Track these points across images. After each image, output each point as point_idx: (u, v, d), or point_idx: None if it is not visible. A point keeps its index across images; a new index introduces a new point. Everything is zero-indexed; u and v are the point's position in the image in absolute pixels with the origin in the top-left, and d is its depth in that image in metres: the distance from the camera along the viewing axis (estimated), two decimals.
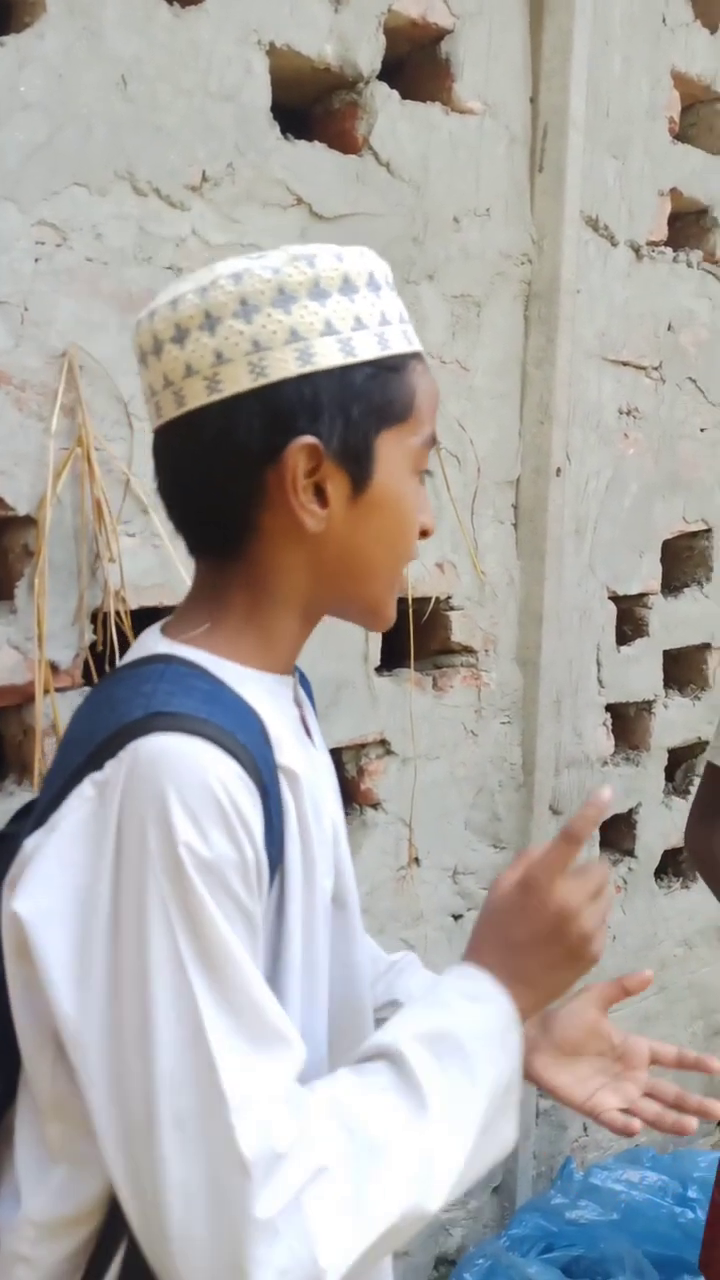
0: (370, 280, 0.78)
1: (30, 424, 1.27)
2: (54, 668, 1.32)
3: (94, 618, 1.37)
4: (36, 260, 1.27)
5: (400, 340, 0.79)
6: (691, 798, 2.48)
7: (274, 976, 0.76)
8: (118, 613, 1.36)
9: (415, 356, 0.81)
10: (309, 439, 0.75)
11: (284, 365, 0.74)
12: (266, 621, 0.81)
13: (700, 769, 2.49)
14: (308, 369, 0.74)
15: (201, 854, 0.66)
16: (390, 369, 0.78)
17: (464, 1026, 0.75)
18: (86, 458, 1.31)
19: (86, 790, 0.69)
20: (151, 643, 0.81)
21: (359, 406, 0.76)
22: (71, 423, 1.31)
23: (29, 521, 1.29)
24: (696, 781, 2.47)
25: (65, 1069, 0.70)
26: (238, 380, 0.74)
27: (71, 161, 1.28)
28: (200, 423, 0.75)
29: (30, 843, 0.71)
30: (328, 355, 0.75)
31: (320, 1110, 0.69)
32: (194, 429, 0.76)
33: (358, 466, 0.78)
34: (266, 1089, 0.66)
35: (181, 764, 0.67)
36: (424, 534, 0.85)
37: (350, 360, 0.76)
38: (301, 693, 0.92)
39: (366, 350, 0.76)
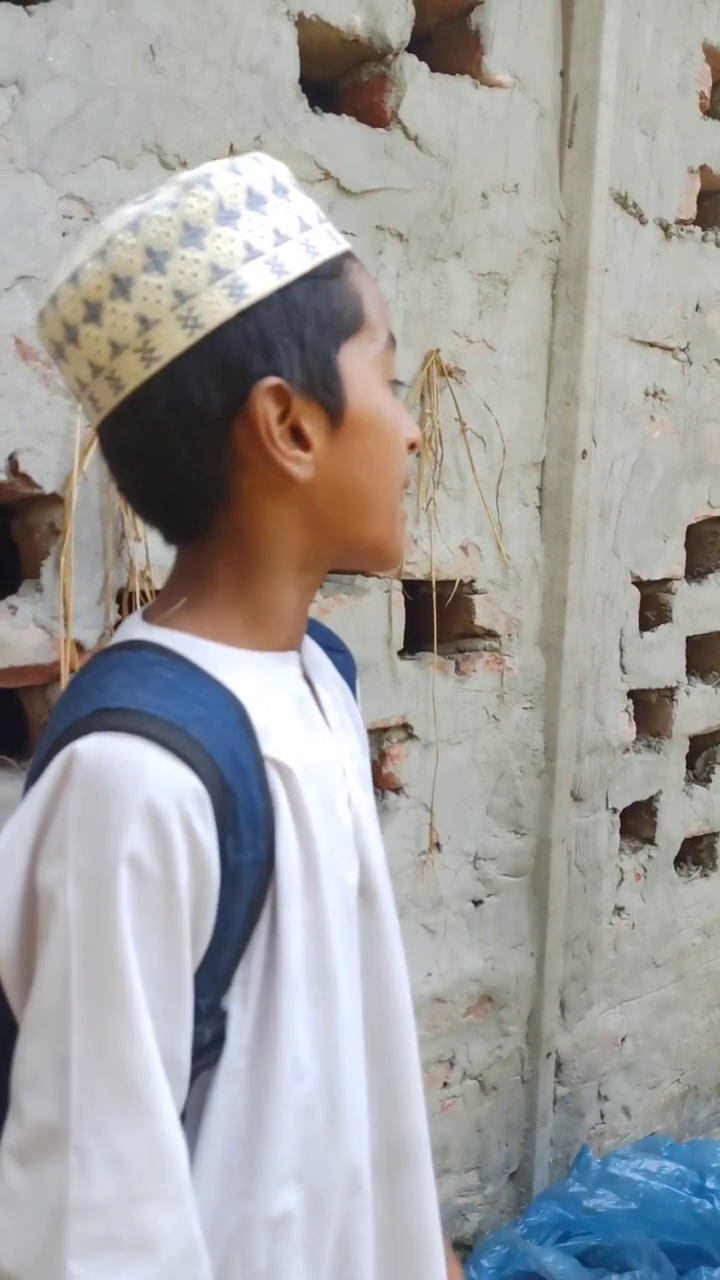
0: (275, 186, 0.69)
1: (57, 401, 1.26)
2: (79, 647, 1.31)
3: (119, 597, 1.35)
4: (64, 234, 1.25)
5: (327, 242, 0.71)
6: (713, 785, 2.46)
7: (266, 991, 0.70)
8: (143, 593, 1.34)
9: (348, 256, 0.72)
10: (271, 380, 0.67)
11: (217, 308, 0.65)
12: (257, 595, 0.74)
13: None
14: (243, 303, 0.66)
15: (124, 871, 0.60)
16: (328, 276, 0.69)
17: None
18: None
19: (33, 791, 0.65)
20: (130, 628, 0.76)
21: (309, 327, 0.68)
22: None
23: (55, 500, 1.28)
24: (718, 770, 2.46)
25: None
26: (173, 341, 0.66)
27: (99, 134, 1.26)
28: (146, 400, 0.67)
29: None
30: (259, 282, 0.66)
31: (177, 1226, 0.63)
32: (141, 409, 0.68)
33: (328, 393, 0.70)
34: (109, 1150, 0.59)
35: (113, 771, 0.61)
36: (411, 446, 0.77)
37: (284, 279, 0.67)
38: (318, 668, 0.84)
39: (297, 264, 0.68)
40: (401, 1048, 0.83)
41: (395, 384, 0.76)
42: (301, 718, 0.77)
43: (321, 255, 0.69)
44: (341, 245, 0.72)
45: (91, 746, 0.62)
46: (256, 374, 0.67)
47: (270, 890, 0.69)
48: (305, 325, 0.68)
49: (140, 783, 0.61)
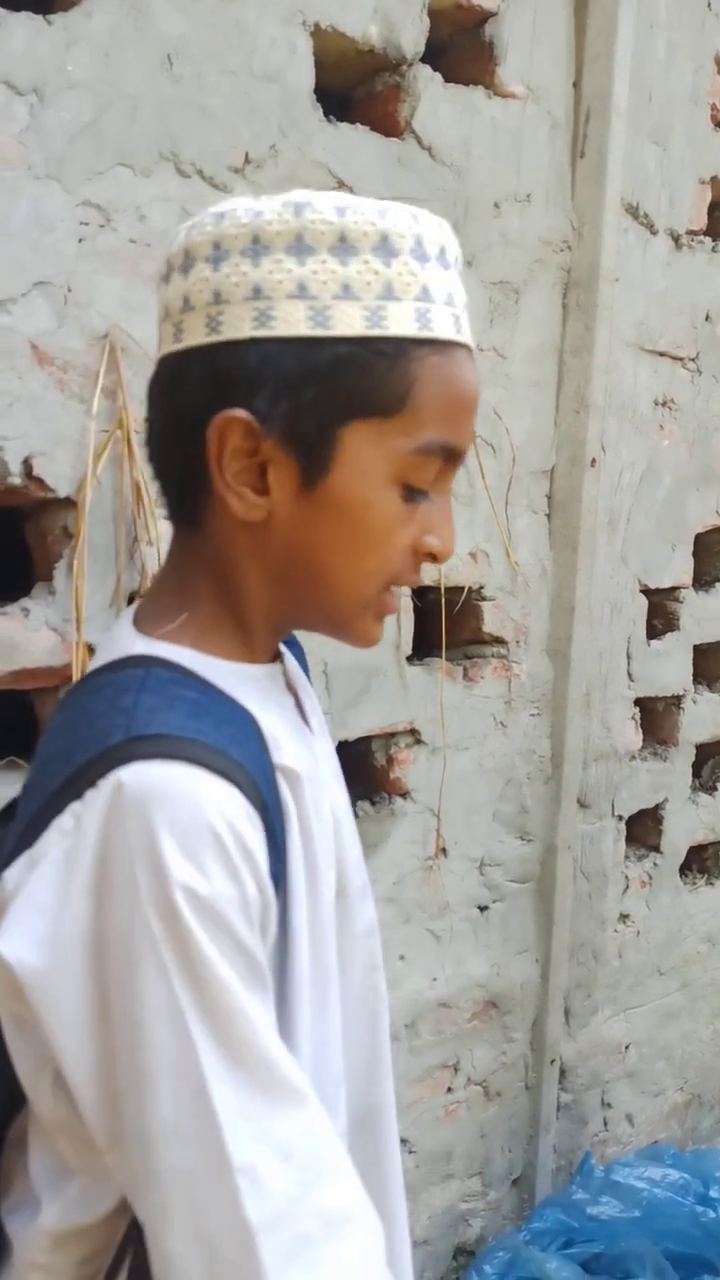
0: (383, 244, 0.65)
1: (72, 405, 1.27)
2: (91, 650, 1.32)
3: (131, 600, 1.36)
4: (80, 241, 1.26)
5: (408, 322, 0.66)
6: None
7: (281, 991, 0.71)
8: None
9: (431, 344, 0.67)
10: (238, 413, 0.65)
11: (238, 324, 0.65)
12: (236, 610, 0.74)
13: None
14: (262, 333, 0.65)
15: (200, 894, 0.60)
16: (379, 353, 0.65)
17: None
18: (126, 440, 1.30)
19: (66, 822, 0.63)
20: (126, 640, 0.72)
21: (317, 388, 0.65)
22: (112, 405, 1.30)
23: (69, 503, 1.29)
24: None
25: (66, 1093, 0.65)
26: (196, 332, 0.67)
27: (116, 142, 1.27)
28: (160, 372, 0.71)
29: (11, 876, 0.65)
30: (291, 322, 0.64)
31: (347, 1171, 0.65)
32: (156, 378, 0.72)
33: (308, 455, 0.67)
34: (276, 1147, 0.60)
35: (170, 796, 0.60)
36: (432, 557, 0.73)
37: (319, 333, 0.64)
38: (297, 674, 0.85)
39: (346, 325, 0.64)
40: (374, 1029, 0.86)
41: (415, 493, 0.71)
42: (293, 726, 0.78)
43: (385, 330, 0.65)
44: (436, 333, 0.67)
45: (142, 777, 0.61)
46: (234, 400, 0.66)
47: (281, 895, 0.70)
48: (312, 383, 0.65)
49: (201, 808, 0.61)
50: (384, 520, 0.69)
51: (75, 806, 0.63)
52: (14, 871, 0.64)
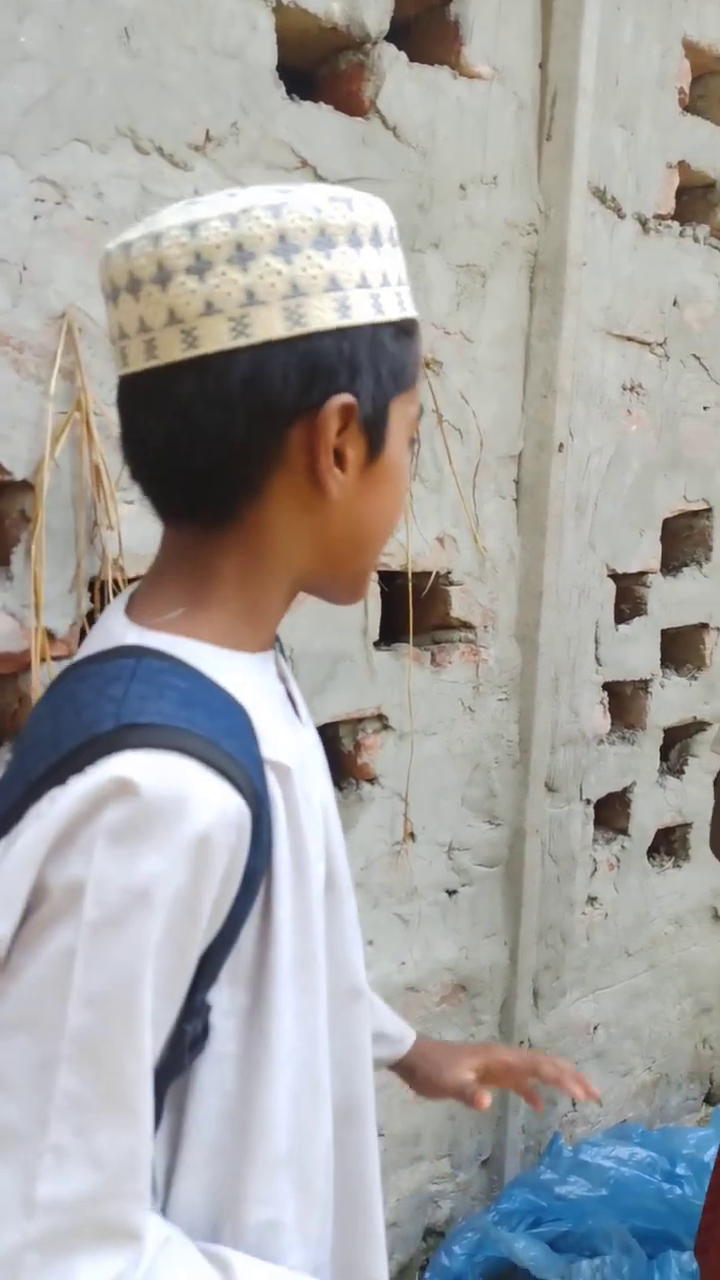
0: (391, 235, 0.74)
1: (28, 386, 1.25)
2: (50, 636, 1.30)
3: (91, 586, 1.35)
4: (35, 218, 1.24)
5: (410, 303, 0.76)
6: (687, 777, 2.48)
7: (258, 983, 0.72)
8: (115, 581, 1.34)
9: (416, 323, 0.77)
10: (348, 397, 0.69)
11: (322, 315, 0.68)
12: (256, 596, 0.75)
13: (696, 749, 2.49)
14: (345, 322, 0.69)
15: (152, 889, 0.60)
16: (406, 333, 0.74)
17: None
18: (85, 422, 1.28)
19: (44, 806, 0.63)
20: (118, 630, 0.73)
21: (385, 368, 0.72)
22: (70, 386, 1.28)
23: (26, 486, 1.27)
24: (692, 762, 2.48)
25: None
26: (271, 326, 0.67)
27: (72, 116, 1.25)
28: (219, 368, 0.67)
29: None
30: (362, 310, 0.70)
31: (155, 1221, 0.66)
32: (211, 375, 0.67)
33: (376, 432, 0.73)
34: (92, 1151, 0.61)
35: (155, 789, 0.61)
36: None
37: (379, 319, 0.71)
38: (284, 665, 0.86)
39: (391, 309, 0.72)
40: (356, 1020, 0.87)
41: (412, 442, 0.81)
42: (284, 716, 0.78)
43: (407, 313, 0.74)
44: (415, 312, 0.77)
45: (132, 765, 0.61)
46: (338, 387, 0.69)
47: (265, 887, 0.71)
48: (382, 365, 0.71)
49: (191, 807, 0.62)
50: (406, 481, 0.79)
51: (56, 791, 0.63)
52: None
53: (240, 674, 0.72)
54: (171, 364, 0.68)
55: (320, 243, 0.68)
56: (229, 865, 0.65)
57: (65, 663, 1.31)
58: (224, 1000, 0.71)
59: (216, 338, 0.67)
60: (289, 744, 0.75)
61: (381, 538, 0.79)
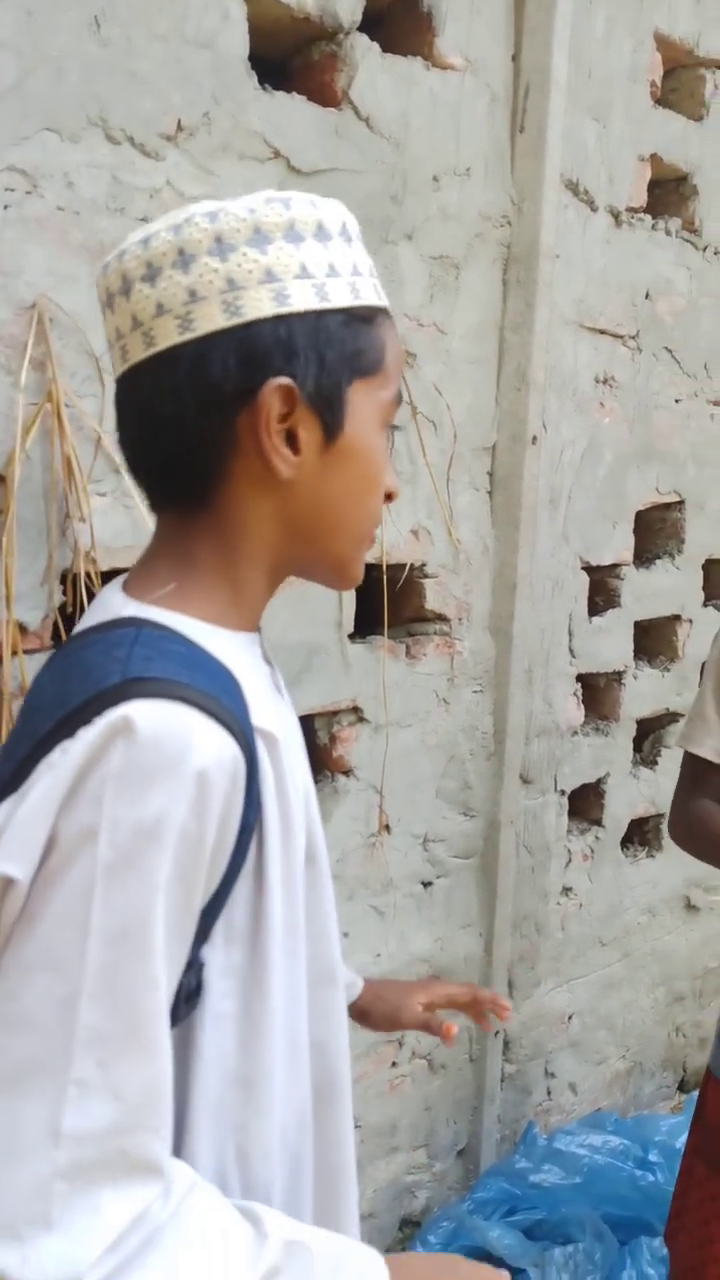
0: (343, 230, 0.78)
1: None
2: (22, 629, 1.29)
3: (63, 579, 1.34)
4: (5, 207, 1.22)
5: (371, 293, 0.79)
6: (660, 768, 2.50)
7: (254, 940, 0.76)
8: (88, 574, 1.33)
9: (384, 311, 0.80)
10: (284, 380, 0.73)
11: (259, 305, 0.73)
12: (236, 577, 0.79)
13: (668, 740, 2.51)
14: (283, 310, 0.73)
15: (161, 829, 0.64)
16: (362, 319, 0.77)
17: (332, 1256, 0.74)
18: (56, 414, 1.27)
19: (56, 757, 0.66)
20: (116, 604, 0.78)
21: (332, 352, 0.75)
22: (41, 377, 1.27)
23: None
24: (664, 753, 2.50)
25: None
26: (212, 318, 0.73)
27: (42, 105, 1.24)
28: (171, 362, 0.74)
29: (1, 813, 0.68)
30: (303, 298, 0.74)
31: (182, 1166, 0.69)
32: (164, 369, 0.74)
33: (330, 413, 0.77)
34: (112, 1083, 0.64)
35: (165, 734, 0.65)
36: (389, 497, 0.85)
37: (324, 305, 0.75)
38: (268, 650, 0.90)
39: (340, 297, 0.76)
40: (334, 998, 0.90)
41: (393, 431, 0.81)
42: (271, 693, 0.83)
43: (362, 300, 0.77)
44: (383, 301, 0.81)
45: (139, 711, 0.65)
46: (274, 370, 0.73)
47: (255, 847, 0.75)
48: (328, 348, 0.75)
49: (192, 747, 0.66)
50: (380, 463, 0.81)
51: (67, 744, 0.66)
52: (3, 809, 0.68)
53: (228, 649, 0.76)
54: (138, 363, 0.75)
55: (255, 240, 0.73)
56: (226, 809, 0.69)
57: (38, 656, 1.31)
58: (219, 958, 0.75)
59: (167, 335, 0.73)
60: (275, 717, 0.79)
61: (355, 519, 0.81)
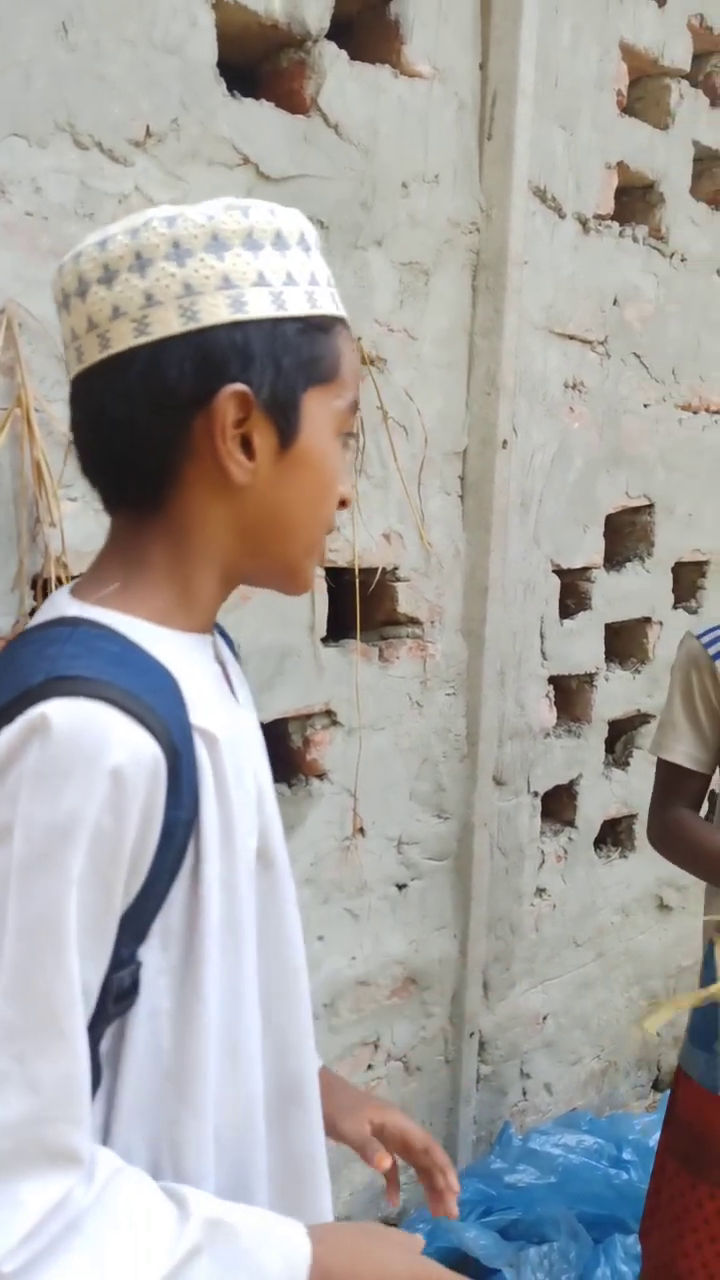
0: (301, 239, 0.79)
1: None
2: None
3: (34, 584, 1.34)
4: None
5: (328, 302, 0.80)
6: (632, 769, 2.52)
7: (190, 939, 0.76)
8: (59, 579, 1.33)
9: (341, 321, 0.81)
10: (240, 386, 0.74)
11: (215, 311, 0.73)
12: (185, 578, 0.80)
13: (640, 741, 2.53)
14: (240, 316, 0.74)
15: (76, 825, 0.65)
16: (318, 328, 0.78)
17: (257, 1232, 0.73)
18: (26, 419, 1.27)
19: None
20: (61, 604, 0.79)
21: (288, 359, 0.76)
22: (10, 382, 1.27)
23: None
24: (636, 754, 2.52)
25: None
26: (168, 323, 0.73)
27: (10, 110, 1.24)
28: (127, 365, 0.74)
29: None
30: (259, 305, 0.75)
31: (106, 1153, 0.70)
32: (120, 372, 0.74)
33: (285, 420, 0.77)
34: (27, 1074, 0.65)
35: (80, 732, 0.66)
36: (343, 504, 0.85)
37: (281, 313, 0.75)
38: (225, 650, 0.91)
39: (296, 306, 0.76)
40: (294, 997, 0.90)
41: (349, 436, 0.84)
42: (219, 693, 0.83)
43: (320, 309, 0.78)
44: (339, 311, 0.81)
45: (56, 709, 0.66)
46: (230, 376, 0.74)
47: (192, 847, 0.75)
48: (285, 355, 0.76)
49: (107, 745, 0.66)
50: (334, 471, 0.82)
51: None
52: None
53: (172, 648, 0.77)
54: (93, 365, 0.76)
55: (213, 246, 0.73)
56: (145, 808, 0.69)
57: None
58: (156, 958, 0.75)
59: (123, 338, 0.74)
60: (219, 717, 0.79)
61: (307, 526, 0.82)
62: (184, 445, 0.75)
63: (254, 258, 0.75)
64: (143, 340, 0.73)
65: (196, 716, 0.75)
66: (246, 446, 0.76)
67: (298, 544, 0.82)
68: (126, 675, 0.70)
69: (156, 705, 0.70)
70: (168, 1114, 0.76)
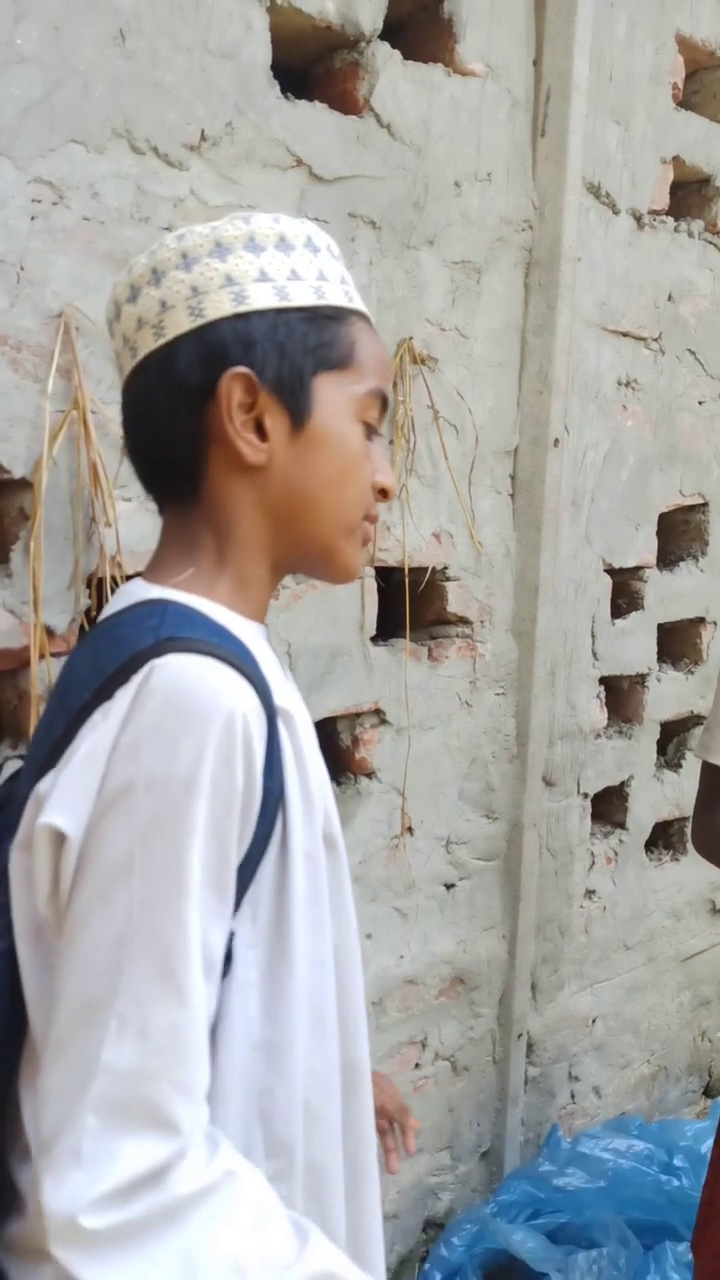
0: (308, 243, 0.84)
1: (26, 385, 1.26)
2: (49, 632, 1.31)
3: (89, 582, 1.36)
4: (32, 218, 1.24)
5: (340, 297, 0.84)
6: (684, 771, 2.49)
7: (279, 910, 0.79)
8: (113, 577, 1.35)
9: (356, 313, 0.85)
10: (241, 369, 0.79)
11: (220, 306, 0.79)
12: (237, 565, 0.84)
13: (691, 743, 2.50)
14: (242, 308, 0.79)
15: (199, 777, 0.68)
16: (327, 316, 0.82)
17: None
18: (83, 420, 1.29)
19: (97, 718, 0.71)
20: (140, 590, 0.82)
21: (293, 343, 0.81)
22: (68, 385, 1.29)
23: (24, 485, 1.28)
24: (688, 756, 2.49)
25: None
26: (179, 323, 0.79)
27: (68, 118, 1.26)
28: (147, 368, 0.81)
29: (45, 784, 0.72)
30: (261, 297, 0.80)
31: (227, 1146, 0.72)
32: (142, 375, 0.81)
33: (294, 401, 0.81)
34: (141, 1021, 0.67)
35: (196, 683, 0.70)
36: (383, 493, 0.88)
37: (284, 304, 0.80)
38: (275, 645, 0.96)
39: (301, 298, 0.81)
40: (355, 983, 0.92)
41: (371, 431, 0.87)
42: (284, 678, 0.88)
43: (327, 301, 0.83)
44: (354, 304, 0.86)
45: (172, 663, 0.70)
46: (232, 361, 0.79)
47: (280, 819, 0.79)
48: (289, 340, 0.80)
49: (222, 696, 0.70)
50: (356, 451, 0.85)
51: (106, 705, 0.71)
52: (47, 779, 0.72)
53: (245, 633, 0.81)
54: (128, 375, 0.84)
55: (216, 252, 0.80)
56: (252, 758, 0.72)
57: (64, 659, 1.33)
58: (246, 930, 0.77)
59: (146, 343, 0.81)
60: (291, 699, 0.84)
61: (332, 504, 0.84)
62: (202, 433, 0.81)
63: (255, 258, 0.80)
64: (160, 343, 0.80)
65: (275, 696, 0.79)
66: (260, 429, 0.81)
67: (325, 523, 0.85)
68: (228, 643, 0.75)
69: (254, 671, 0.75)
70: (259, 1084, 0.79)
